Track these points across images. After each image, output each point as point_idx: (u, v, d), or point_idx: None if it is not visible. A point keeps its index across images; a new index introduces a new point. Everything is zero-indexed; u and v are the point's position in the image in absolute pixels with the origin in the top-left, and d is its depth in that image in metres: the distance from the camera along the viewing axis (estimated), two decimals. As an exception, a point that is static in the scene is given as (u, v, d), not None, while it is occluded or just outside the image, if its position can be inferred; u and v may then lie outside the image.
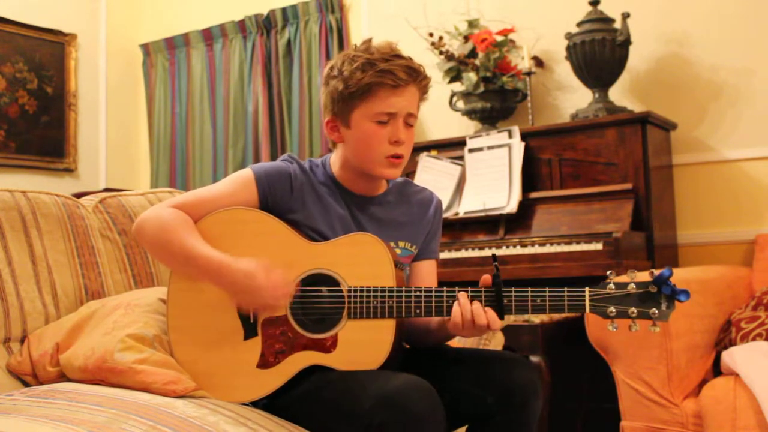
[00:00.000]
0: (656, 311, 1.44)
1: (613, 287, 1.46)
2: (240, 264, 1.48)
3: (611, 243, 2.72)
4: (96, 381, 1.57)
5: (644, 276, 1.47)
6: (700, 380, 2.34)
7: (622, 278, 1.48)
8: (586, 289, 1.47)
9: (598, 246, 2.75)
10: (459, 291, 1.50)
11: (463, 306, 1.48)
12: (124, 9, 5.01)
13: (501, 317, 1.49)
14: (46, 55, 4.59)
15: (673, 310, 1.45)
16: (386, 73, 1.56)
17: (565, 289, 1.47)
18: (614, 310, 1.45)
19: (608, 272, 1.50)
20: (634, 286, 1.46)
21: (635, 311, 1.45)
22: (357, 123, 1.60)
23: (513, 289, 1.49)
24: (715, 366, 2.39)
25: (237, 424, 1.40)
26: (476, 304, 1.48)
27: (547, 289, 1.48)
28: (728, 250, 3.12)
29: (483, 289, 1.51)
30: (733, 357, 2.23)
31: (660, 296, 1.45)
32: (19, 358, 1.71)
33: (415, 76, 1.59)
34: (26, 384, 1.69)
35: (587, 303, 1.46)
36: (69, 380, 1.63)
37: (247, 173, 1.63)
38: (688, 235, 3.22)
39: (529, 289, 1.49)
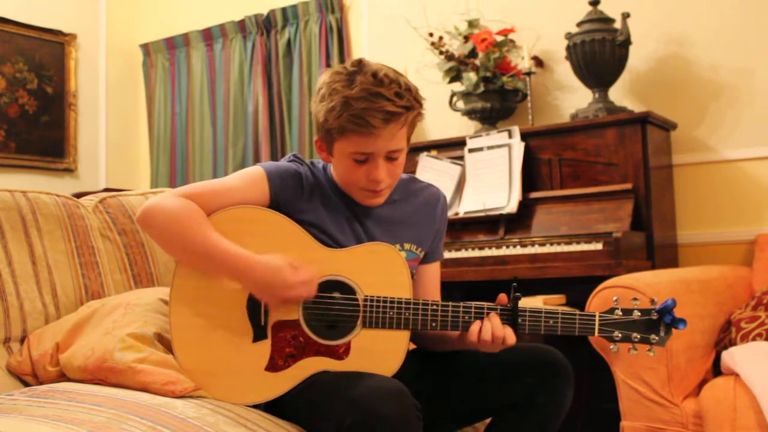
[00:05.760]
0: (656, 337, 1.56)
1: (620, 313, 1.56)
2: (264, 259, 1.47)
3: (611, 243, 2.72)
4: (96, 380, 1.57)
5: (646, 303, 1.59)
6: (700, 380, 2.34)
7: (627, 305, 1.58)
8: (597, 314, 1.56)
9: (598, 246, 2.75)
10: (476, 308, 1.54)
11: (484, 325, 1.52)
12: (124, 9, 5.01)
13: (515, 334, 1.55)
14: (46, 55, 4.59)
15: (670, 336, 1.57)
16: (359, 120, 1.47)
17: (576, 312, 1.56)
18: (620, 335, 1.56)
19: (614, 298, 1.60)
20: (639, 313, 1.56)
21: (638, 336, 1.56)
22: (337, 156, 1.57)
23: (528, 309, 1.55)
24: (715, 366, 2.39)
25: (236, 425, 1.40)
26: (496, 320, 1.52)
27: (560, 311, 1.55)
28: (728, 250, 3.12)
29: (499, 307, 1.55)
30: (733, 357, 2.23)
31: (660, 323, 1.56)
32: (19, 357, 1.71)
33: (396, 119, 1.49)
34: (26, 384, 1.69)
35: (596, 327, 1.55)
36: (69, 380, 1.63)
37: (258, 170, 1.60)
38: (688, 235, 3.21)
39: (543, 309, 1.56)
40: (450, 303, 1.54)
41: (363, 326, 1.52)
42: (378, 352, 1.52)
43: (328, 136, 1.56)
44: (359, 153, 1.53)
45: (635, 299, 1.58)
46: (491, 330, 1.50)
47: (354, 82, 1.49)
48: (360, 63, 1.54)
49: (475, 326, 1.52)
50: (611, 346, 1.56)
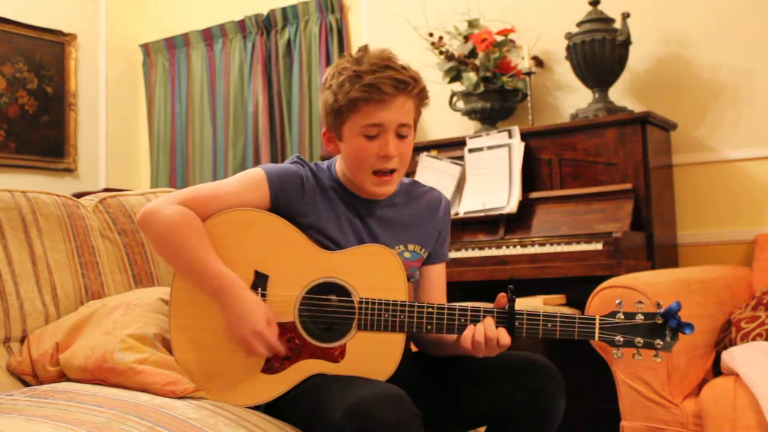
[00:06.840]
0: (661, 342, 1.49)
1: (622, 317, 1.50)
2: (250, 297, 1.47)
3: (611, 243, 2.72)
4: (96, 381, 1.57)
5: (651, 307, 1.52)
6: (700, 380, 2.34)
7: (631, 308, 1.51)
8: (597, 317, 1.50)
9: (598, 246, 2.75)
10: (471, 311, 1.52)
11: (477, 327, 1.50)
12: (124, 9, 5.01)
13: (512, 337, 1.52)
14: (46, 55, 4.59)
15: (677, 342, 1.49)
16: (371, 87, 1.51)
17: (576, 316, 1.51)
18: (621, 339, 1.49)
19: (617, 301, 1.53)
20: (642, 317, 1.50)
21: (641, 341, 1.49)
22: (347, 137, 1.57)
23: (525, 312, 1.51)
24: (715, 366, 2.39)
25: (237, 426, 1.40)
26: (489, 322, 1.50)
27: (558, 314, 1.51)
28: (728, 250, 3.12)
29: (496, 309, 1.52)
30: (733, 357, 2.23)
31: (665, 328, 1.49)
32: (19, 357, 1.71)
33: (404, 88, 1.54)
34: (26, 384, 1.69)
35: (597, 331, 1.50)
36: (69, 380, 1.63)
37: (258, 173, 1.59)
38: (688, 235, 3.22)
39: (541, 312, 1.51)
40: (446, 305, 1.53)
41: (358, 329, 1.52)
42: (373, 355, 1.51)
43: (338, 118, 1.57)
44: (371, 125, 1.54)
45: (640, 302, 1.51)
46: (484, 332, 1.49)
47: (361, 60, 1.56)
48: (365, 48, 1.60)
49: (468, 331, 1.50)
50: (614, 352, 1.50)
